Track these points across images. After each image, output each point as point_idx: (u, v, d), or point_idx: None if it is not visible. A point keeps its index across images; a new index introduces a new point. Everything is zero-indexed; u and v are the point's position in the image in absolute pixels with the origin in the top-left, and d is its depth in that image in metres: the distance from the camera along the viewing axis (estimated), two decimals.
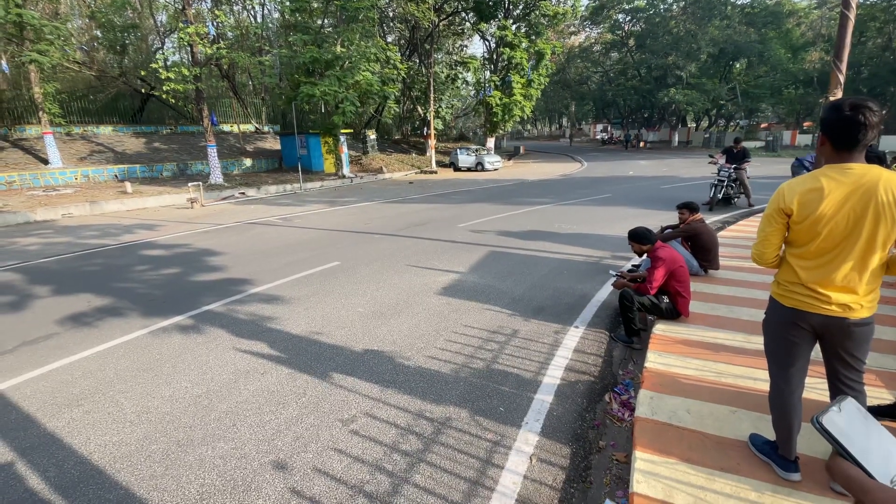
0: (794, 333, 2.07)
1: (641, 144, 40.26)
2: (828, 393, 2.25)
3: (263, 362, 3.89)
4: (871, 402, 2.64)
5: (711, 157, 11.53)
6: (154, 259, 7.61)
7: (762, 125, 43.27)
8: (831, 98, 5.02)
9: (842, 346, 2.00)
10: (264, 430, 2.98)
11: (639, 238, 4.07)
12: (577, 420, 3.08)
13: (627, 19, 40.20)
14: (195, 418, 3.13)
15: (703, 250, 5.26)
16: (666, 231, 5.81)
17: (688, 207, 5.36)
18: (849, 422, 0.81)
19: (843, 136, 1.80)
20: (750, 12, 35.02)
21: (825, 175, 1.86)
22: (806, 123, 37.27)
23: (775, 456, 2.27)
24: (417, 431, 2.92)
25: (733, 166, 10.39)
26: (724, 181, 10.27)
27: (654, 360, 3.47)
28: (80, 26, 23.33)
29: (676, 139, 39.14)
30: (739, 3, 35.90)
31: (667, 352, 3.58)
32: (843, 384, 2.08)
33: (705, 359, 3.44)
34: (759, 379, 3.11)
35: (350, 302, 5.26)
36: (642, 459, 2.44)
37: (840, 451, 0.77)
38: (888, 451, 0.77)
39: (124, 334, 4.55)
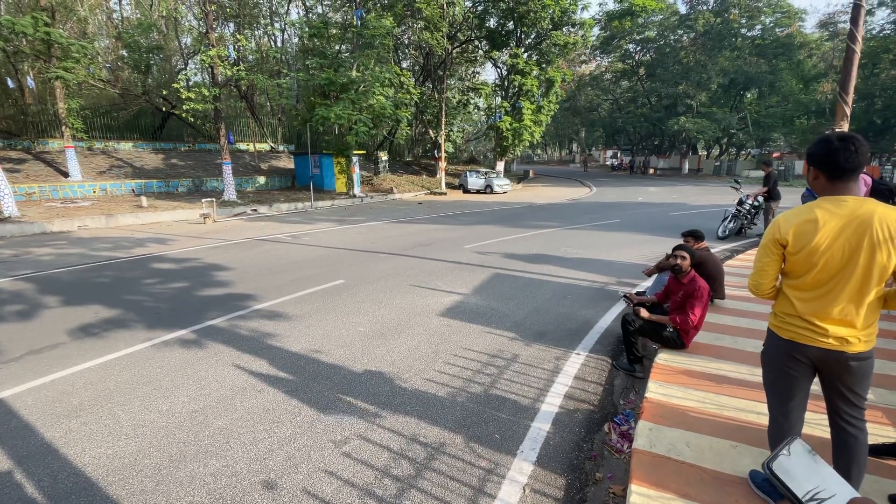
0: (793, 366, 2.04)
1: (651, 171, 40.39)
2: (828, 430, 2.19)
3: (261, 380, 3.89)
4: (876, 440, 2.57)
5: (737, 181, 11.34)
6: (163, 273, 7.72)
7: (774, 154, 43.23)
8: (837, 129, 5.02)
9: (840, 380, 1.97)
10: (257, 448, 2.96)
11: (692, 254, 3.97)
12: (574, 450, 3.02)
13: (638, 49, 40.91)
14: (189, 434, 3.13)
15: (709, 279, 5.17)
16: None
17: (693, 235, 5.32)
18: (797, 465, 0.80)
19: (836, 166, 1.82)
20: (761, 43, 35.47)
21: (820, 207, 1.86)
22: None
23: (776, 495, 2.20)
24: (410, 456, 2.88)
25: (759, 196, 9.92)
26: (740, 212, 10.10)
27: (655, 390, 3.41)
28: (107, 46, 24.33)
29: (687, 167, 39.21)
30: (750, 34, 36.39)
31: (668, 382, 3.52)
32: (843, 420, 2.03)
33: (707, 390, 3.38)
34: (762, 413, 3.04)
35: (351, 321, 5.27)
36: (638, 493, 2.37)
37: (788, 495, 0.76)
38: (834, 493, 0.75)
39: (127, 346, 4.60)
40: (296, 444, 2.99)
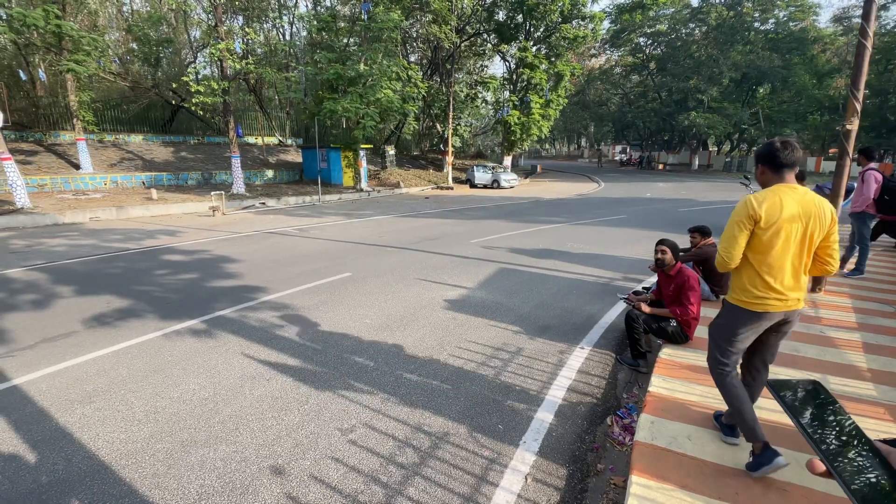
0: (757, 331, 2.45)
1: (660, 167, 40.04)
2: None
3: (270, 368, 3.96)
4: (878, 435, 2.57)
5: (746, 177, 11.15)
6: (173, 264, 7.83)
7: None
8: (848, 126, 4.97)
9: (782, 331, 2.45)
10: (266, 434, 3.03)
11: (675, 250, 3.97)
12: (576, 442, 3.06)
13: (648, 43, 40.44)
14: (200, 420, 3.20)
15: (714, 275, 5.19)
16: (679, 254, 5.76)
17: (699, 231, 5.32)
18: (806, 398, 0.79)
19: (777, 162, 2.29)
20: (774, 38, 34.88)
21: (780, 191, 2.28)
22: (831, 150, 36.60)
23: (763, 458, 2.37)
24: (415, 444, 2.94)
25: None
26: None
27: (658, 384, 3.43)
28: (117, 39, 24.49)
29: (697, 162, 38.82)
30: (763, 28, 35.81)
31: (672, 376, 3.54)
32: (763, 365, 2.57)
33: (710, 385, 3.37)
34: (763, 408, 3.05)
35: (358, 313, 5.34)
36: (638, 484, 2.41)
37: (787, 411, 0.77)
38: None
39: (139, 335, 4.70)
40: (303, 431, 3.06)
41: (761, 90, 38.97)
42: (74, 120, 17.33)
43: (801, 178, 7.90)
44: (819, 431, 0.70)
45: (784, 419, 2.94)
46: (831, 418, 0.72)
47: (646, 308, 4.08)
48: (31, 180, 15.31)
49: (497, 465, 2.77)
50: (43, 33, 14.25)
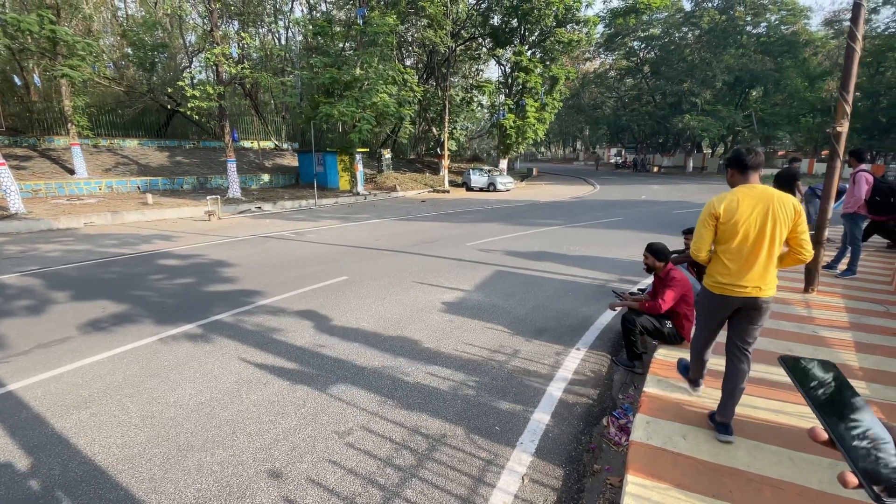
0: (720, 312, 2.80)
1: (655, 169, 40.26)
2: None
3: (266, 372, 3.96)
4: None
5: None
6: (169, 269, 7.81)
7: (779, 153, 43.02)
8: (838, 128, 5.04)
9: (750, 318, 2.69)
10: (262, 438, 3.03)
11: (657, 253, 4.03)
12: (572, 442, 3.07)
13: (642, 46, 40.72)
14: (197, 424, 3.20)
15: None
16: (672, 256, 5.80)
17: (692, 232, 5.35)
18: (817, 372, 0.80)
19: (743, 165, 2.64)
20: (766, 41, 35.24)
21: (739, 191, 2.62)
22: (823, 152, 36.91)
23: (692, 380, 3.25)
24: (412, 447, 2.95)
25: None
26: None
27: (654, 384, 3.46)
28: (112, 44, 24.46)
29: (691, 165, 39.06)
30: (755, 32, 36.17)
31: (667, 377, 3.56)
32: (738, 350, 2.75)
33: (705, 385, 3.41)
34: (757, 407, 3.09)
35: (355, 316, 5.34)
36: (634, 483, 2.43)
37: (794, 382, 0.78)
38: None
39: (135, 340, 4.68)
40: (300, 435, 3.06)
41: (754, 93, 39.34)
42: (69, 125, 17.26)
43: (794, 179, 8.02)
44: (827, 408, 0.72)
45: (776, 418, 2.98)
46: (842, 397, 0.74)
47: (629, 299, 4.31)
48: (25, 185, 15.22)
49: (494, 466, 2.78)
50: (37, 38, 14.21)
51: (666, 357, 3.90)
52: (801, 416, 2.97)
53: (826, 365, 0.78)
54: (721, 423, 2.81)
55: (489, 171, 25.63)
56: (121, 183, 18.10)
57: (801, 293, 5.63)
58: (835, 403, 0.71)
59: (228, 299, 6.03)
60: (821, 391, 0.73)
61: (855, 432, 0.65)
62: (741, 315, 2.72)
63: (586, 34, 28.35)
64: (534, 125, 26.70)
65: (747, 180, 2.64)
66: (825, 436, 0.67)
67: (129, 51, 21.48)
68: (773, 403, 3.14)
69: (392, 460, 2.81)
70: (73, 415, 3.34)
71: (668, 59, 37.80)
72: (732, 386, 2.75)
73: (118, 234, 11.52)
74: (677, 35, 38.50)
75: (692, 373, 3.21)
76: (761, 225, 2.53)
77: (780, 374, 3.52)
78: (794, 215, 2.52)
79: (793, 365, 0.77)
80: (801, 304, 5.24)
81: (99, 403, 3.49)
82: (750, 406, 3.10)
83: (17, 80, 17.97)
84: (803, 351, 3.98)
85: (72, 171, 17.41)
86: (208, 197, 15.63)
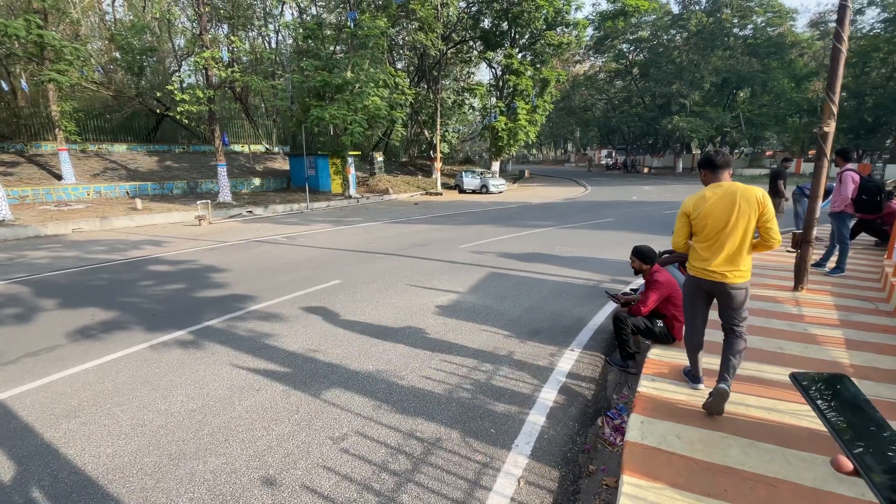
0: (697, 294, 3.13)
1: (645, 170, 40.59)
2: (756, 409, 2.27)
3: (259, 378, 3.93)
4: None
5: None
6: (159, 275, 7.73)
7: (767, 153, 43.57)
8: (825, 128, 5.11)
9: (724, 302, 3.02)
10: (256, 445, 3.00)
11: (642, 256, 4.08)
12: (567, 443, 3.08)
13: (631, 49, 41.12)
14: (189, 432, 3.16)
15: None
16: (664, 256, 5.84)
17: None
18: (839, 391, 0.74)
19: (713, 165, 2.99)
20: (752, 43, 35.72)
21: (708, 189, 2.98)
22: (811, 152, 37.44)
23: (691, 377, 3.40)
24: (407, 451, 2.93)
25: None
26: None
27: (647, 384, 3.47)
28: (100, 48, 24.22)
29: (681, 165, 39.41)
30: (742, 34, 36.66)
31: (660, 376, 3.58)
32: (731, 325, 3.04)
33: (705, 385, 3.44)
34: (750, 405, 3.11)
35: (348, 320, 5.31)
36: (629, 484, 2.43)
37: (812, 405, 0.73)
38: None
39: (125, 348, 4.62)
40: (294, 441, 3.04)
41: (742, 94, 39.83)
42: (56, 130, 17.02)
43: (777, 177, 9.11)
44: (844, 426, 0.67)
45: (770, 416, 3.00)
46: (858, 413, 0.70)
47: (621, 299, 4.36)
48: (12, 192, 14.98)
49: (490, 468, 2.78)
50: (24, 43, 14.04)
51: (659, 357, 3.92)
52: (794, 413, 3.00)
53: (840, 380, 0.73)
54: (688, 373, 3.42)
55: (482, 174, 25.69)
56: (109, 188, 17.89)
57: (790, 291, 5.69)
58: (856, 427, 0.65)
59: (220, 305, 5.97)
60: (839, 412, 0.67)
61: (883, 465, 0.60)
62: (720, 301, 3.05)
63: (576, 37, 28.58)
64: (525, 127, 26.82)
65: (718, 178, 2.97)
66: (850, 466, 0.62)
67: (118, 55, 21.29)
68: (766, 402, 3.16)
69: (387, 465, 2.79)
70: (63, 424, 3.28)
71: (657, 61, 38.20)
72: (725, 358, 3.04)
73: (107, 239, 11.38)
74: (665, 37, 38.94)
75: (691, 368, 3.41)
76: (727, 217, 2.84)
77: (773, 373, 3.55)
78: (758, 206, 2.79)
79: (806, 383, 0.72)
80: (791, 302, 5.30)
81: (89, 412, 3.43)
82: (743, 404, 3.12)
83: (4, 85, 17.71)
84: (794, 348, 4.02)
85: (59, 177, 17.18)
86: (199, 201, 15.50)
